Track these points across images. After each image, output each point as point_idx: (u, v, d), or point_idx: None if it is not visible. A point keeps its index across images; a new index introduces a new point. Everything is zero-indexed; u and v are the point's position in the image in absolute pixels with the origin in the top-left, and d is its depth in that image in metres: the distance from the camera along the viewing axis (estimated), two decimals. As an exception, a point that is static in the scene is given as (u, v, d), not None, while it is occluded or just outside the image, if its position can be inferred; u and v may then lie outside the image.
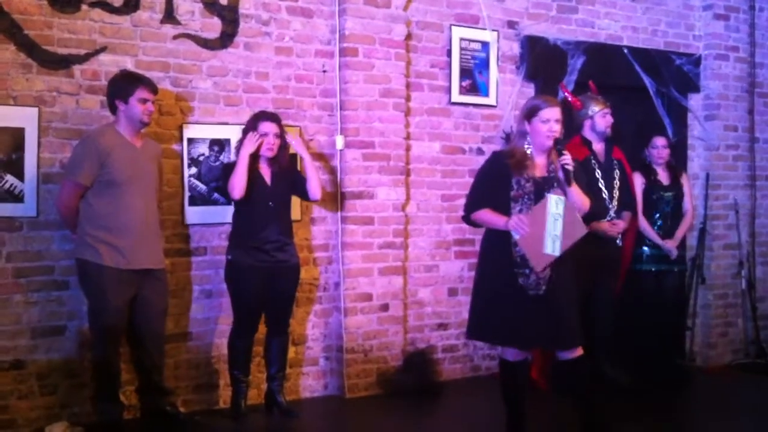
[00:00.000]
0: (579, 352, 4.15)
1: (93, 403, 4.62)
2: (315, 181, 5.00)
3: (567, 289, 4.09)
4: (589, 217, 4.20)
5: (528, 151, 4.12)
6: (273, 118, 4.89)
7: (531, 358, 4.35)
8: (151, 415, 4.73)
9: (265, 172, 4.90)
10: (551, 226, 3.96)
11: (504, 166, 4.11)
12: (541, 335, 4.08)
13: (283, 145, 4.92)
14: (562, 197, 3.98)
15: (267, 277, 4.84)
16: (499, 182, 4.11)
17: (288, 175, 5.01)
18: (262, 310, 4.94)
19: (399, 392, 5.47)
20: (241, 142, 4.85)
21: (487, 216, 4.13)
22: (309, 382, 5.49)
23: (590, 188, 4.41)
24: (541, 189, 4.06)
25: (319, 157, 5.45)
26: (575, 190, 4.06)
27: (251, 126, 4.84)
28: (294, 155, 5.22)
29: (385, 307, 5.60)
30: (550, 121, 4.04)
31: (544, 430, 4.84)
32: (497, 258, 4.13)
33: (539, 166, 4.13)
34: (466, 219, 4.29)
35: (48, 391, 4.67)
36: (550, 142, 4.06)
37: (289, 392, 5.26)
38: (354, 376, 5.47)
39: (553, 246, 3.97)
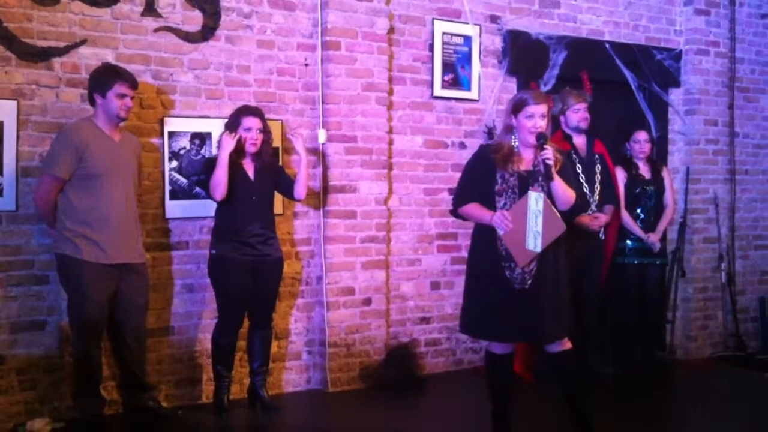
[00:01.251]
0: (567, 345, 4.17)
1: (73, 398, 4.59)
2: (305, 182, 5.01)
3: (555, 283, 4.09)
4: (575, 211, 4.18)
5: (515, 146, 4.13)
6: (256, 112, 4.87)
7: (514, 351, 4.35)
8: (134, 411, 4.71)
9: (249, 167, 4.88)
10: (532, 223, 3.99)
11: (490, 160, 4.13)
12: (525, 329, 4.09)
13: (267, 140, 4.90)
14: (542, 194, 4.00)
15: (251, 271, 4.82)
16: (484, 176, 4.13)
17: (271, 170, 4.99)
18: (246, 305, 4.92)
19: (382, 386, 5.48)
20: (222, 136, 4.82)
21: (474, 210, 4.15)
22: (292, 377, 5.49)
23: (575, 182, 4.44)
24: (525, 183, 4.07)
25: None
26: (559, 184, 4.05)
27: (234, 121, 4.82)
28: (277, 149, 5.22)
29: (367, 301, 5.60)
30: (534, 116, 4.05)
31: (529, 421, 4.86)
32: (484, 252, 4.15)
33: (525, 160, 4.13)
34: (454, 213, 4.31)
35: (28, 386, 4.63)
36: (533, 138, 4.06)
37: (272, 386, 5.25)
38: (337, 370, 5.47)
39: (534, 242, 4.00)
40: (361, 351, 5.56)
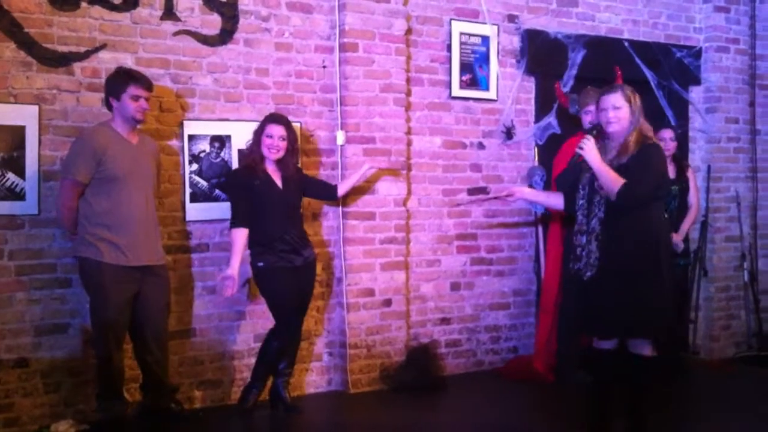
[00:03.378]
0: (645, 351, 4.17)
1: (97, 400, 4.61)
2: (350, 185, 5.22)
3: (620, 275, 4.05)
4: (622, 201, 4.06)
5: (604, 141, 4.23)
6: (280, 120, 4.89)
7: (617, 348, 4.29)
8: (156, 412, 4.73)
9: (275, 175, 4.89)
10: None
11: (576, 158, 4.26)
12: (601, 321, 4.12)
13: (291, 149, 4.91)
14: None
15: (296, 276, 4.86)
16: (573, 173, 4.28)
17: (298, 178, 5.01)
18: (300, 307, 4.96)
19: (402, 387, 5.47)
20: (251, 143, 4.84)
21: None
22: (313, 378, 5.49)
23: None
24: (594, 178, 4.14)
25: (320, 152, 5.45)
26: (599, 173, 4.07)
27: (259, 128, 4.86)
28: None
29: (387, 303, 5.60)
30: (606, 109, 4.14)
31: (550, 422, 4.85)
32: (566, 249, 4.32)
33: (611, 152, 4.19)
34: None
35: (52, 388, 4.67)
36: (610, 129, 4.13)
37: (293, 388, 5.26)
38: (357, 371, 5.47)
39: None
40: (381, 352, 5.56)
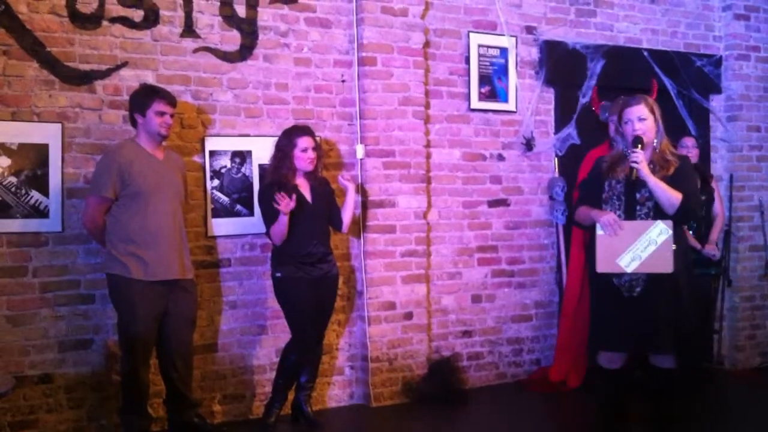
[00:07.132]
0: (671, 364, 4.17)
1: (120, 415, 4.63)
2: (351, 217, 5.11)
3: (670, 294, 4.04)
4: (682, 215, 4.08)
5: (624, 153, 4.17)
6: (308, 131, 4.91)
7: (626, 366, 4.30)
8: (179, 427, 4.74)
9: (305, 188, 4.91)
10: (640, 246, 3.98)
11: (600, 169, 4.22)
12: (633, 338, 4.08)
13: (320, 156, 4.96)
14: (669, 230, 3.97)
15: (314, 288, 4.86)
16: (595, 186, 4.21)
17: (326, 190, 5.04)
18: (318, 321, 4.95)
19: (424, 400, 5.45)
20: (275, 159, 4.82)
21: (584, 211, 4.24)
22: (335, 392, 5.49)
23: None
24: (632, 189, 4.09)
25: (340, 166, 5.46)
26: (655, 187, 4.01)
27: (287, 143, 4.84)
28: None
29: (408, 316, 5.59)
30: (632, 120, 4.10)
31: (571, 429, 4.83)
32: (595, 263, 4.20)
33: None
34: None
35: (76, 404, 4.70)
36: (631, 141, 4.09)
37: (315, 402, 5.26)
38: (379, 384, 5.46)
39: (630, 263, 4.00)
40: (403, 365, 5.55)
